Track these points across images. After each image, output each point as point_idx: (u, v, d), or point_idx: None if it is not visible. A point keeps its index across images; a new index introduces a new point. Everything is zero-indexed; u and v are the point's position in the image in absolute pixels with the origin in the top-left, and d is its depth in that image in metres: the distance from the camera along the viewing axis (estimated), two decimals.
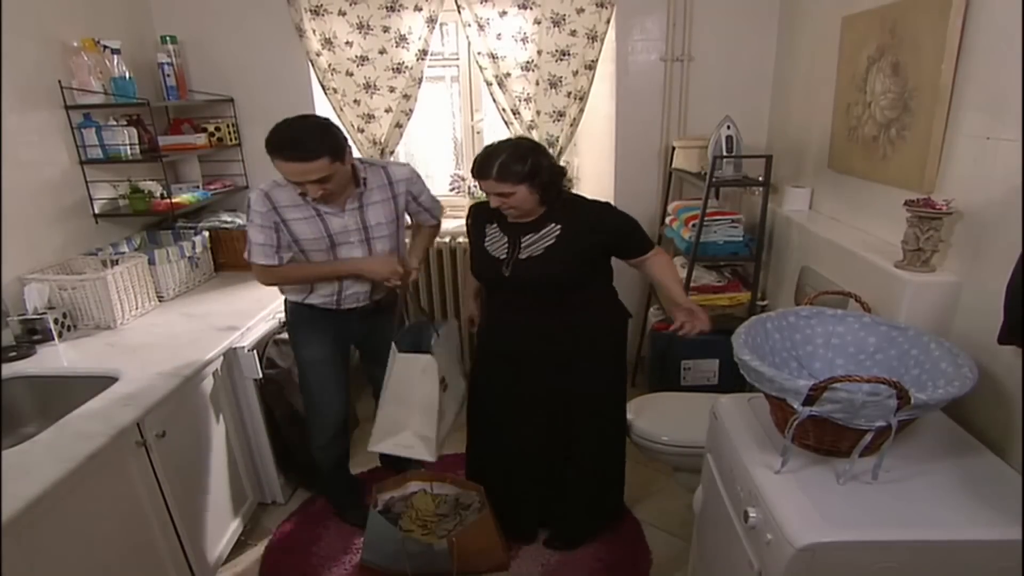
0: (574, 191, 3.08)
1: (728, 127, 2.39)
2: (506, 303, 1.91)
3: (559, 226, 1.78)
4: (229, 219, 2.82)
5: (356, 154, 1.98)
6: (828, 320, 1.52)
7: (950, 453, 1.31)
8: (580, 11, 2.62)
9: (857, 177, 2.04)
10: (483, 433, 2.09)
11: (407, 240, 2.14)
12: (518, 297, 1.85)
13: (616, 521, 2.23)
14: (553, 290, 1.81)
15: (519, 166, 1.67)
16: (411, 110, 2.85)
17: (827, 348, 1.52)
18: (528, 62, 2.75)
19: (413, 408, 1.86)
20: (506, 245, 1.83)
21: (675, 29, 2.70)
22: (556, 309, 1.83)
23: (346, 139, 1.80)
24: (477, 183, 1.76)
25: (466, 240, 2.97)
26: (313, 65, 2.80)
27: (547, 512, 2.13)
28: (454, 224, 3.21)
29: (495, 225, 1.86)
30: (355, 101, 2.85)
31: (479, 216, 1.93)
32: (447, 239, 3.03)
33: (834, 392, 1.13)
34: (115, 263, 2.22)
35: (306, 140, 1.68)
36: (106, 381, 1.76)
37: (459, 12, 2.67)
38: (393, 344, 1.87)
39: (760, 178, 2.40)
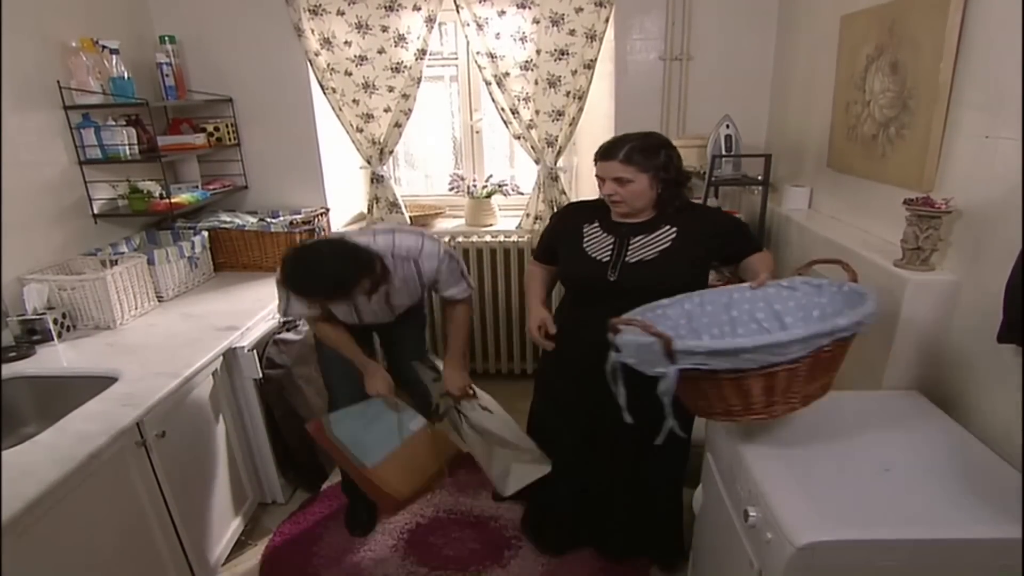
0: (574, 196, 3.09)
1: (727, 126, 2.39)
2: (597, 313, 1.52)
3: (675, 228, 1.67)
4: (228, 219, 2.81)
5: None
6: (775, 292, 1.53)
7: (950, 451, 1.32)
8: (579, 10, 2.62)
9: (856, 176, 2.04)
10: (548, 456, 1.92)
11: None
12: (616, 306, 1.49)
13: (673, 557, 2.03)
14: (660, 298, 1.56)
15: (650, 154, 1.62)
16: (410, 110, 2.85)
17: (773, 317, 1.53)
18: (527, 61, 2.75)
19: (493, 443, 1.86)
20: (611, 247, 1.69)
21: (674, 28, 2.70)
22: None
23: (368, 260, 1.63)
24: (597, 166, 1.66)
25: (468, 242, 3.01)
26: (312, 65, 2.80)
27: (595, 528, 2.04)
28: (454, 224, 3.21)
29: (596, 225, 1.74)
30: (354, 101, 2.84)
31: (576, 215, 1.80)
32: (446, 239, 3.02)
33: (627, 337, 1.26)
34: (114, 263, 2.22)
35: (322, 286, 1.58)
36: (106, 381, 1.76)
37: (458, 12, 2.67)
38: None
39: (759, 177, 2.40)
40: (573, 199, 3.02)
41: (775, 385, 1.22)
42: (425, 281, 1.89)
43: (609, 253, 1.69)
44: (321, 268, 1.55)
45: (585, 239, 1.74)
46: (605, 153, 1.65)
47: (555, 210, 2.92)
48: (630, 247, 1.68)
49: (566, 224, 1.81)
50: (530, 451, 1.86)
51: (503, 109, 2.81)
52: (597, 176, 1.69)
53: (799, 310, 1.48)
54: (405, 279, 1.84)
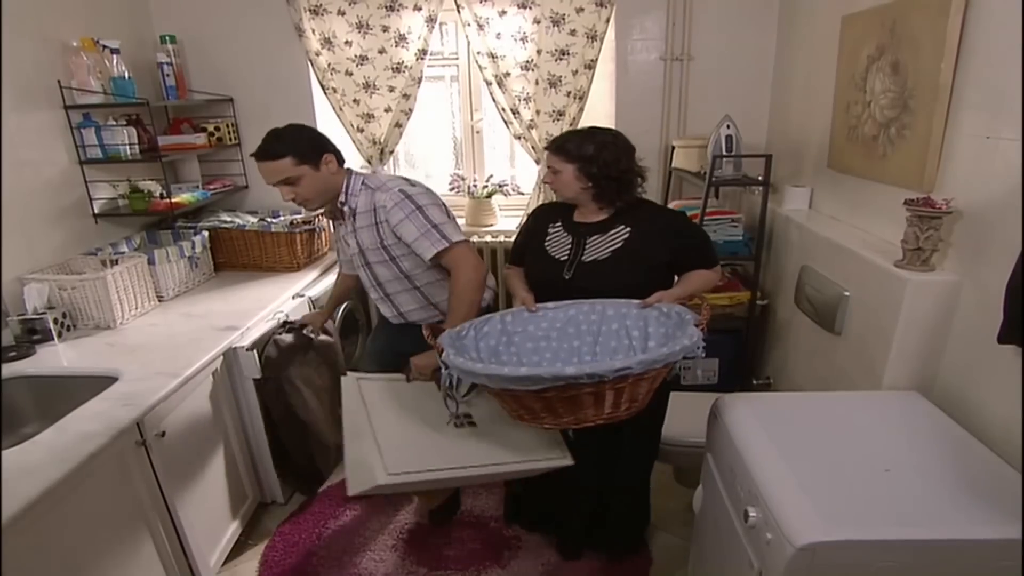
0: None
1: (728, 126, 2.39)
2: None
3: (628, 228, 1.68)
4: (229, 219, 2.81)
5: (365, 168, 1.95)
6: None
7: (950, 452, 1.31)
8: (579, 10, 2.62)
9: (857, 176, 2.04)
10: None
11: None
12: None
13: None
14: (615, 297, 1.63)
15: (578, 147, 1.64)
16: (411, 109, 2.85)
17: (643, 338, 1.61)
18: (527, 61, 2.75)
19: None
20: (569, 246, 1.72)
21: (675, 28, 2.70)
22: None
23: (332, 147, 1.81)
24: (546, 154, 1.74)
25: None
26: (312, 65, 2.80)
27: (593, 527, 2.04)
28: None
29: (559, 224, 1.76)
30: (355, 101, 2.84)
31: (545, 216, 1.83)
32: None
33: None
34: (115, 263, 2.22)
35: (273, 141, 1.73)
36: (106, 381, 1.75)
37: (458, 11, 2.67)
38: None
39: (760, 177, 2.40)
40: None
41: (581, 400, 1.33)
42: (379, 219, 1.77)
43: (567, 252, 1.71)
44: (287, 127, 1.80)
45: (548, 239, 1.77)
46: (550, 144, 1.72)
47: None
48: (586, 246, 1.69)
49: (536, 225, 1.83)
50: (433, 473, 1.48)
51: (504, 109, 2.81)
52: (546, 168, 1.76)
53: (664, 337, 1.54)
54: (365, 212, 1.80)
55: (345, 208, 1.83)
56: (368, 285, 1.96)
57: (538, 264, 1.77)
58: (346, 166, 1.86)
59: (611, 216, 1.71)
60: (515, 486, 2.21)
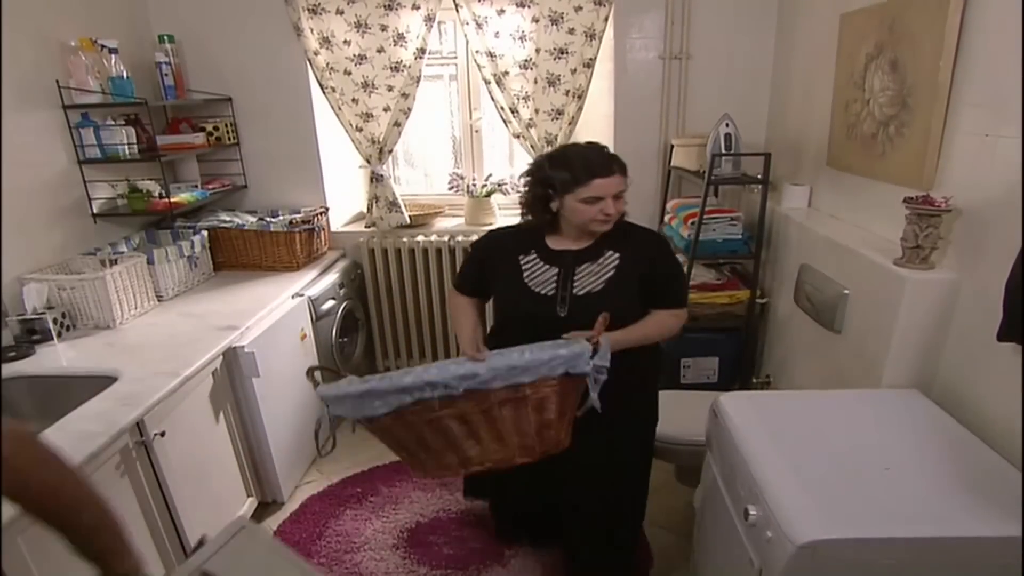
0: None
1: (727, 125, 2.39)
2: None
3: (617, 254, 1.55)
4: (228, 218, 2.81)
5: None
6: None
7: (950, 450, 1.32)
8: (578, 9, 2.62)
9: (856, 174, 2.04)
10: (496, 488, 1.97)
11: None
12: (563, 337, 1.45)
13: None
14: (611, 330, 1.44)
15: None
16: (409, 109, 2.85)
17: None
18: (526, 60, 2.75)
19: None
20: (555, 279, 1.54)
21: (673, 27, 2.70)
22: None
23: None
24: (593, 185, 1.46)
25: (468, 241, 3.01)
26: (311, 64, 2.79)
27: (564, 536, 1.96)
28: (454, 223, 3.21)
29: (534, 255, 1.57)
30: (353, 100, 2.84)
31: (506, 244, 1.62)
32: (446, 238, 3.02)
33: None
34: (114, 263, 2.22)
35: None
36: (106, 381, 1.75)
37: (457, 10, 2.67)
38: None
39: (759, 176, 2.40)
40: None
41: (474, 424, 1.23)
42: None
43: (553, 286, 1.55)
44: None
45: (525, 272, 1.58)
46: (606, 168, 1.48)
47: None
48: (575, 278, 1.55)
49: (499, 255, 1.62)
50: None
51: (502, 108, 2.80)
52: (591, 197, 1.48)
53: None
54: None
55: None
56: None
57: (523, 302, 1.58)
58: None
59: (596, 241, 1.57)
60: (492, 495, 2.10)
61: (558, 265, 1.57)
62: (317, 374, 1.42)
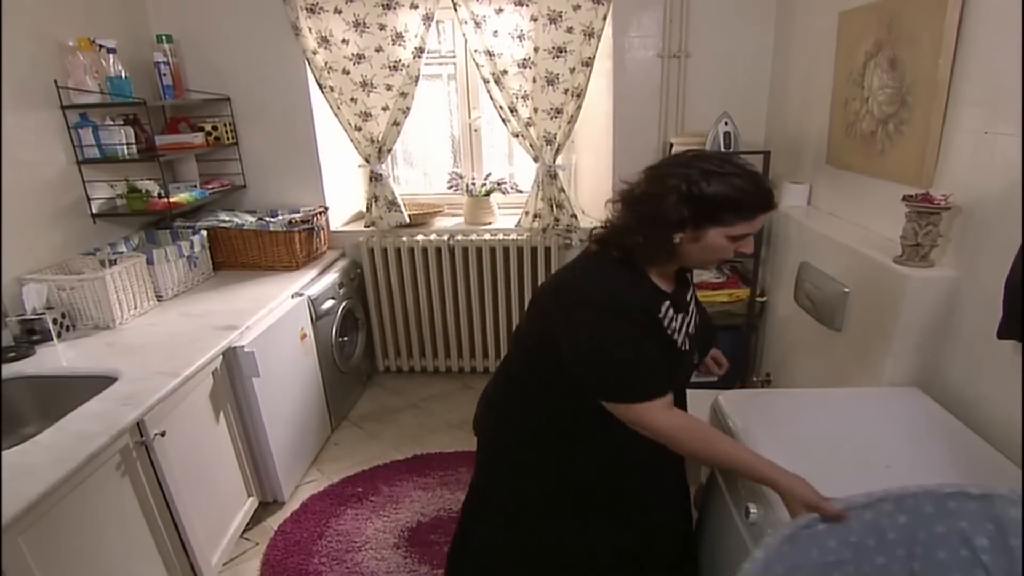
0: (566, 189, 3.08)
1: (726, 123, 2.40)
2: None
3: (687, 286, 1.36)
4: (227, 218, 2.81)
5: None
6: None
7: (950, 448, 1.32)
8: (577, 7, 2.62)
9: (855, 172, 2.05)
10: None
11: None
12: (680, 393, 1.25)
13: None
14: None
15: None
16: (408, 108, 2.85)
17: None
18: (525, 59, 2.75)
19: None
20: (685, 326, 1.28)
21: (672, 25, 2.70)
22: None
23: None
24: (756, 221, 1.15)
25: (467, 240, 3.01)
26: (309, 63, 2.79)
27: None
28: (453, 222, 3.21)
29: (668, 305, 1.23)
30: (352, 99, 2.84)
31: (637, 303, 1.19)
32: (445, 237, 3.02)
33: None
34: (113, 263, 2.22)
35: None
36: (106, 381, 1.75)
37: (455, 9, 2.67)
38: None
39: None
40: (572, 197, 3.02)
41: None
42: None
43: (685, 334, 1.29)
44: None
45: (669, 331, 1.24)
46: (771, 201, 1.16)
47: (558, 217, 2.90)
48: (689, 318, 1.31)
49: (646, 319, 1.20)
50: None
51: (501, 107, 2.80)
52: (739, 235, 1.16)
53: None
54: None
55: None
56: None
57: (682, 367, 1.31)
58: None
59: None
60: None
61: (683, 310, 1.28)
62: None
